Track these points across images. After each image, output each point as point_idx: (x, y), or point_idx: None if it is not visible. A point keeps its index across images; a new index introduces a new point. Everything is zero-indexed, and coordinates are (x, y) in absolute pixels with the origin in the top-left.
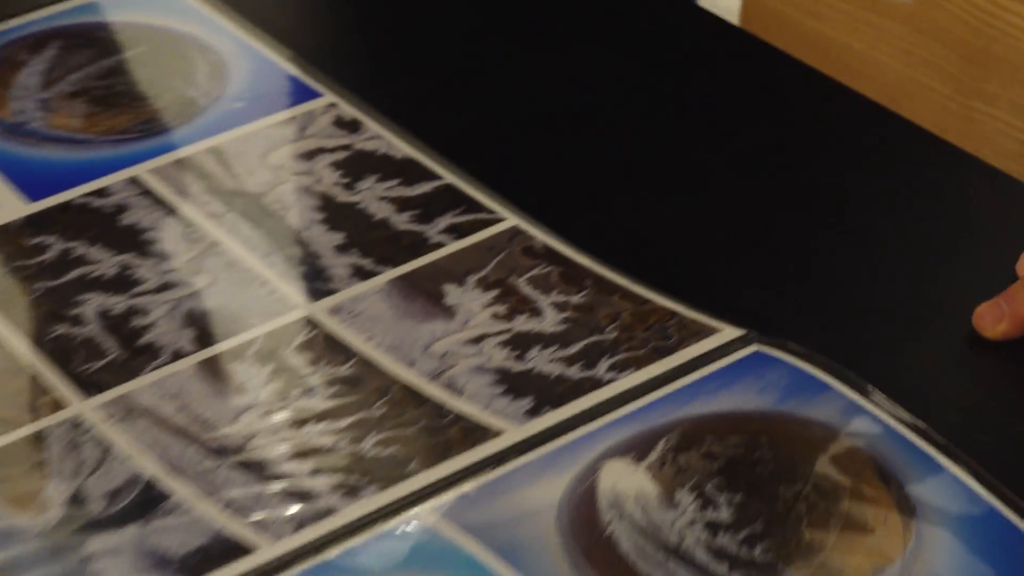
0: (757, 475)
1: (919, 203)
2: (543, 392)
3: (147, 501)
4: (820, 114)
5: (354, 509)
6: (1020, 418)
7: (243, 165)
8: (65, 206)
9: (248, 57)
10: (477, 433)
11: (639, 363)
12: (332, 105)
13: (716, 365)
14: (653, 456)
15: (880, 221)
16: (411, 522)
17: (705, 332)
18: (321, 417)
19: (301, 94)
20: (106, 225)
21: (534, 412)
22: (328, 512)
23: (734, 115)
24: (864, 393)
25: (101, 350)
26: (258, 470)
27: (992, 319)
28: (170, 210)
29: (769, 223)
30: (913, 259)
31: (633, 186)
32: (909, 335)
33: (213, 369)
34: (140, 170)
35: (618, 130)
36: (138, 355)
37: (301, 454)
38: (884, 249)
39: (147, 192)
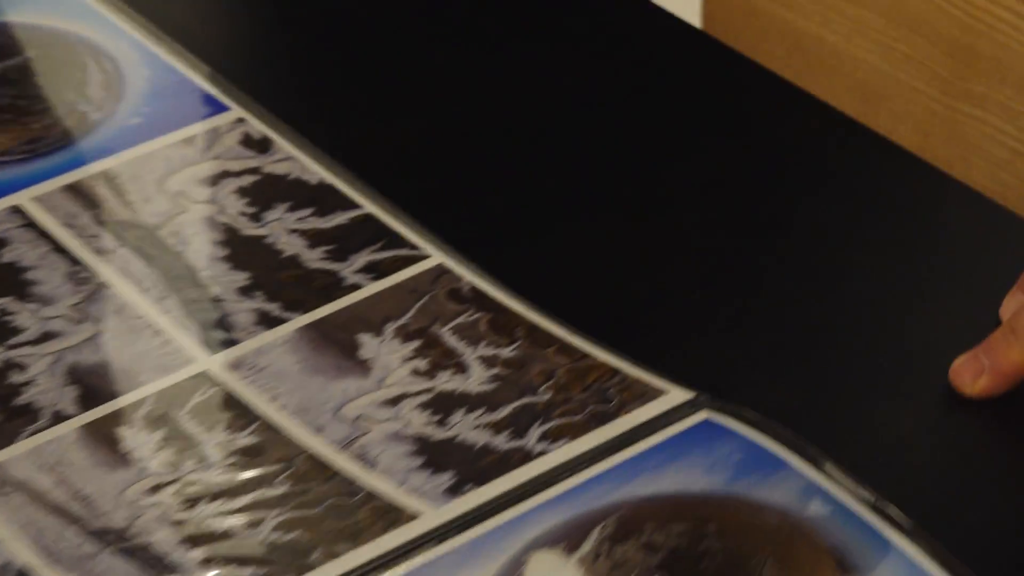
0: (703, 570)
1: (892, 233)
2: (466, 466)
3: None
4: (786, 130)
5: None
6: (1004, 493)
7: (138, 192)
8: None
9: (148, 64)
10: (391, 515)
11: (575, 431)
12: (240, 120)
13: (661, 435)
14: (586, 547)
15: (848, 256)
16: None
17: (650, 394)
18: (216, 495)
19: (206, 107)
20: None
21: (455, 490)
22: None
23: (690, 133)
24: (823, 470)
25: None
26: (143, 558)
27: (971, 374)
28: (55, 245)
29: (724, 260)
30: (883, 301)
31: (574, 216)
32: (877, 393)
33: (97, 435)
34: (23, 198)
35: (560, 151)
36: (14, 417)
37: (191, 539)
38: (852, 289)
39: (30, 224)
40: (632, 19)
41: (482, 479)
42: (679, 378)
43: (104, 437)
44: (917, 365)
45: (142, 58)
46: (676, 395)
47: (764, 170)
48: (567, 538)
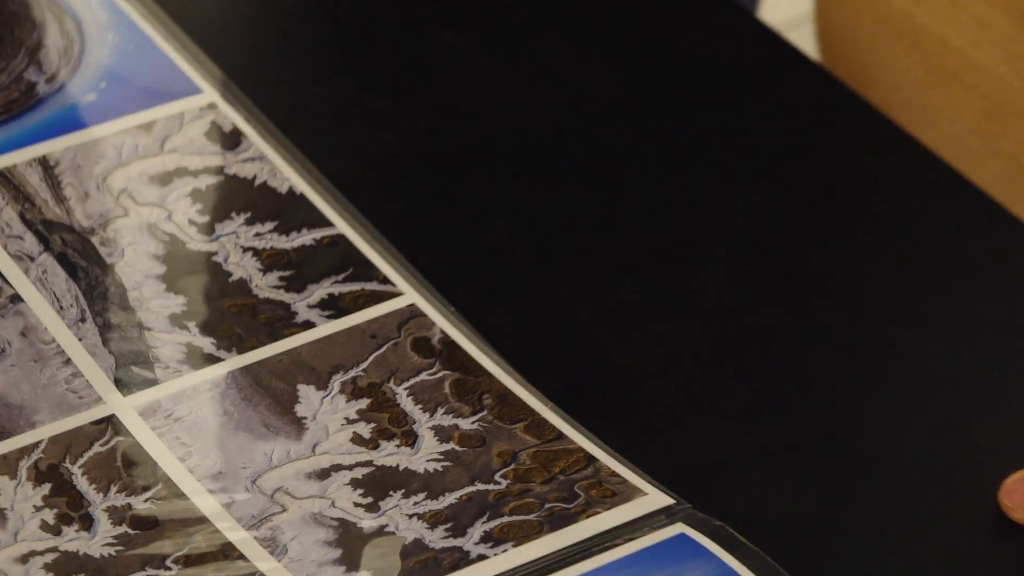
0: None
1: (948, 313)
2: (387, 565)
3: None
4: (866, 175)
5: None
6: None
7: (76, 186)
8: None
9: (117, 29)
10: None
11: (524, 534)
12: (211, 107)
13: (623, 549)
14: None
15: (900, 341)
16: None
17: (624, 495)
18: (93, 572)
19: (174, 87)
20: None
21: None
22: None
23: (753, 169)
24: None
25: None
26: None
27: (1022, 497)
28: None
29: (741, 334)
30: (923, 396)
31: (575, 262)
32: (903, 515)
33: None
34: None
35: (587, 177)
36: None
37: None
38: (886, 381)
39: None
40: (712, 17)
41: None
42: (662, 474)
43: None
44: (957, 481)
45: (111, 20)
46: (653, 499)
47: (803, 225)
48: None
